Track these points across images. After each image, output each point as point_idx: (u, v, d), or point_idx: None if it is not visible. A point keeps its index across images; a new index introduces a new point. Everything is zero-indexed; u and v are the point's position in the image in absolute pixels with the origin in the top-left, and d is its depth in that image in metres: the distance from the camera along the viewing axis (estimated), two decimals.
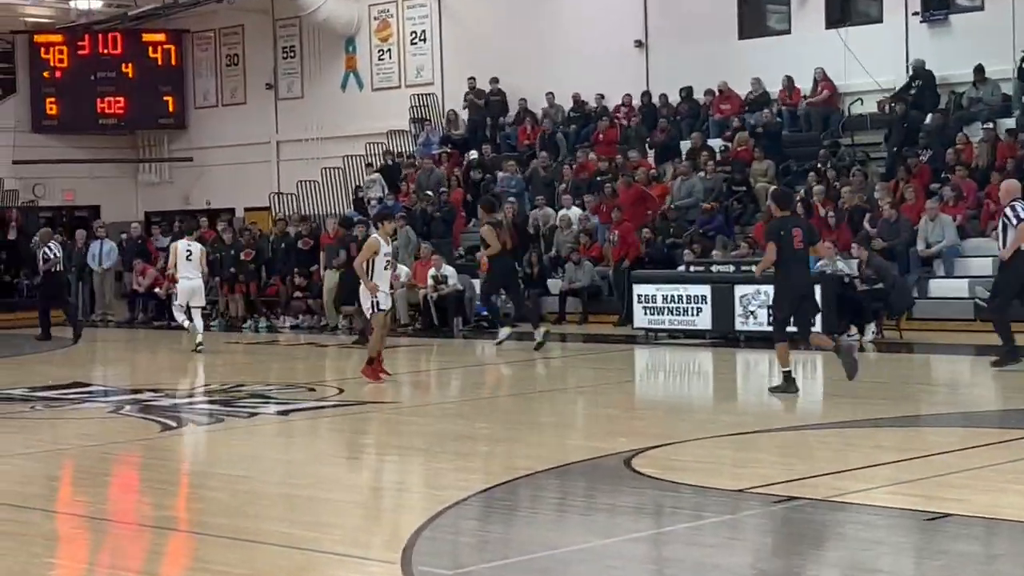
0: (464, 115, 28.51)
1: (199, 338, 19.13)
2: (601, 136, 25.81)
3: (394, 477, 9.66)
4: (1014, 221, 14.34)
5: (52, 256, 22.38)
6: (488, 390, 15.66)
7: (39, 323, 22.31)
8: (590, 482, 9.24)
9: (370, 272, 14.65)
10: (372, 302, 14.72)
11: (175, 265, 19.61)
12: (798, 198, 18.98)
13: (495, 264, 18.97)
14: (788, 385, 12.94)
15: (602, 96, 26.60)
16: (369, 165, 28.35)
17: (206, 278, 20.32)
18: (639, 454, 9.79)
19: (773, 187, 18.78)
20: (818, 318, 14.50)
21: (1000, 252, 14.85)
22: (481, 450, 10.56)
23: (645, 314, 19.69)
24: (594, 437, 11.21)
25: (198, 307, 19.66)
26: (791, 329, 13.37)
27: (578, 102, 26.90)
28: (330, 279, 22.69)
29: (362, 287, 14.81)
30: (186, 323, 19.54)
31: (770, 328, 14.56)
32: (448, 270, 22.19)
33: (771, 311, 14.68)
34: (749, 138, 23.66)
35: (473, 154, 27.02)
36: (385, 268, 14.77)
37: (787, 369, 13.00)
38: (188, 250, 19.55)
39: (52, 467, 10.35)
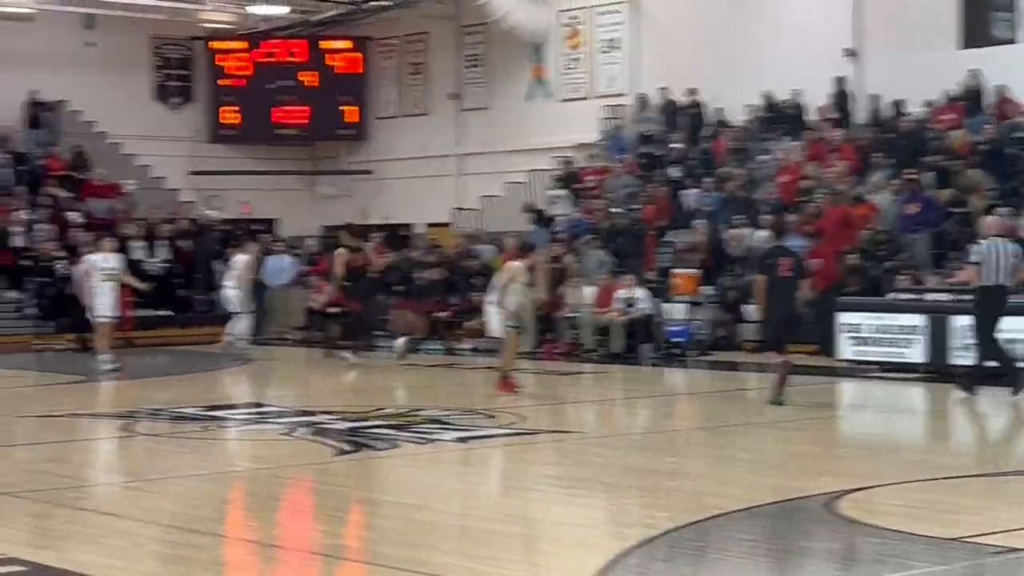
0: (657, 127, 28.45)
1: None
2: (808, 152, 25.45)
3: (576, 512, 9.69)
4: None
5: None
6: (678, 422, 15.60)
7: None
8: (786, 524, 9.14)
9: (506, 295, 16.37)
10: (506, 322, 16.42)
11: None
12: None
13: (355, 290, 21.37)
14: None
15: (799, 106, 26.27)
16: (555, 180, 28.44)
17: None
18: (841, 496, 9.64)
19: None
20: None
21: None
22: (668, 486, 10.52)
23: (850, 344, 19.39)
24: (792, 476, 11.08)
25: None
26: None
27: (778, 112, 26.66)
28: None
29: (490, 306, 16.74)
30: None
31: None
32: (639, 292, 22.17)
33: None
34: (970, 155, 23.11)
35: (669, 170, 26.95)
36: (518, 296, 16.52)
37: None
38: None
39: (223, 489, 10.64)
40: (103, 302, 20.31)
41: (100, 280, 20.28)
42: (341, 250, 21.49)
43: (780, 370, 15.37)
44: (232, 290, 23.21)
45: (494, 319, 16.69)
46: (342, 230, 22.62)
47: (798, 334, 16.70)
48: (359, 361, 21.54)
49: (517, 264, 16.87)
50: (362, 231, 23.20)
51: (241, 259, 23.63)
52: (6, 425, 15.02)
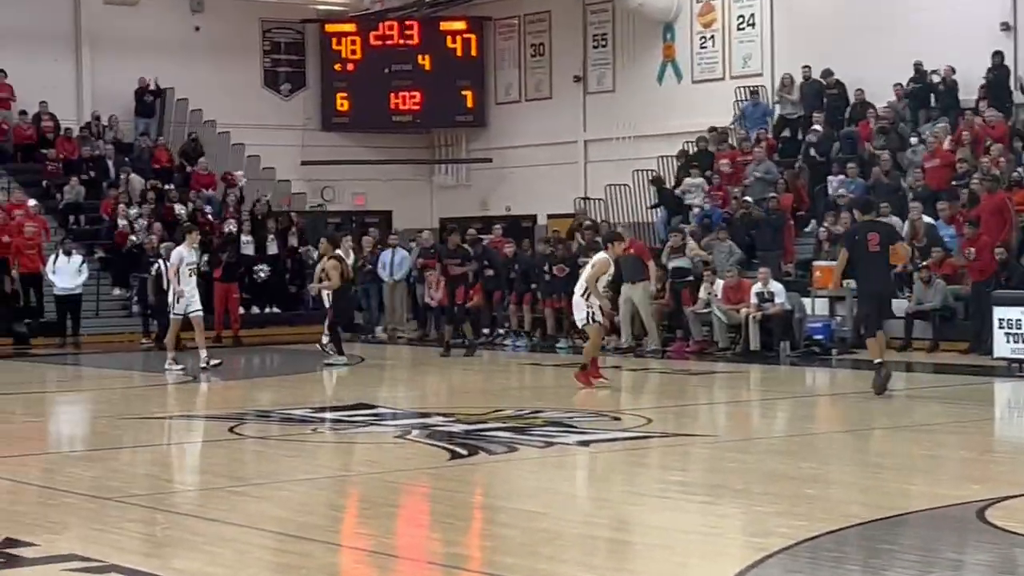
0: (797, 109, 28.19)
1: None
2: (964, 134, 24.97)
3: (707, 520, 9.64)
4: None
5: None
6: (817, 424, 15.46)
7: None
8: (934, 534, 9.02)
9: (587, 291, 17.30)
10: (588, 314, 17.25)
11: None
12: None
13: (340, 298, 21.90)
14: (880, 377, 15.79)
15: (951, 85, 25.85)
16: (688, 167, 28.26)
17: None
18: (994, 504, 9.49)
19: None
20: None
21: None
22: (806, 493, 10.43)
23: (1008, 341, 19.06)
24: (940, 483, 10.93)
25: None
26: None
27: (928, 92, 26.28)
28: (626, 293, 22.81)
29: (577, 298, 17.54)
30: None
31: None
32: (775, 286, 22.01)
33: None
34: None
35: (810, 155, 26.69)
36: (603, 289, 17.51)
37: (879, 360, 15.83)
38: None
39: (334, 495, 10.75)
40: (195, 296, 20.57)
41: (187, 274, 20.51)
42: (332, 261, 21.80)
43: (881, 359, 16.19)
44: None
45: (580, 312, 17.59)
46: (326, 241, 22.75)
47: (891, 313, 17.82)
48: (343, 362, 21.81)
49: (604, 256, 17.49)
50: (339, 239, 23.82)
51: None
52: (111, 428, 15.32)
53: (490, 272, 25.68)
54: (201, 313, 20.80)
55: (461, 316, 23.49)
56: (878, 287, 16.40)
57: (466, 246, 24.63)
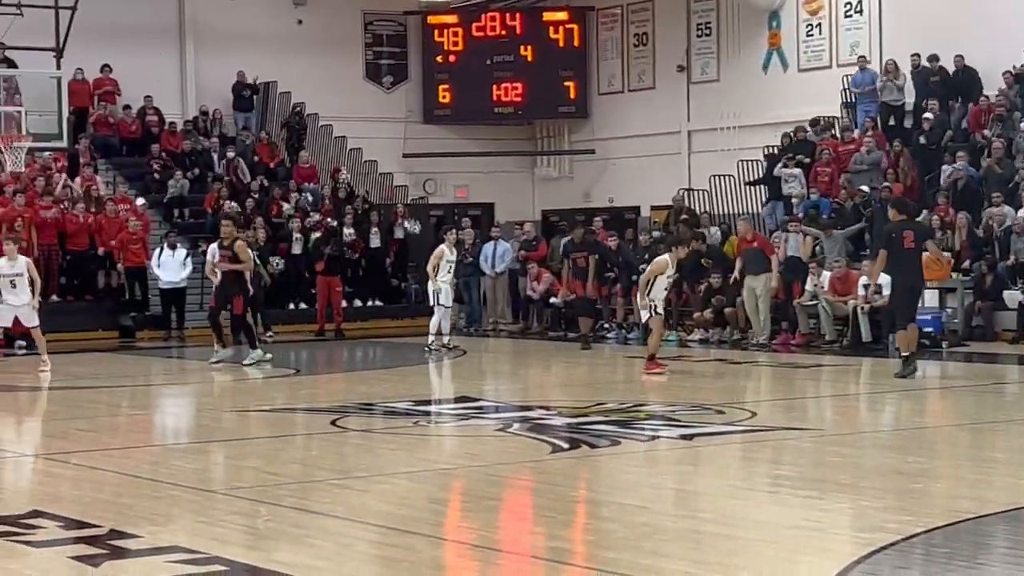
0: (905, 97, 27.83)
1: None
2: None
3: (812, 514, 9.57)
4: None
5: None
6: (927, 418, 15.30)
7: None
8: None
9: (651, 288, 18.24)
10: (651, 307, 18.25)
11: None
12: None
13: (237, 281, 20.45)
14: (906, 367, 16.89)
15: None
16: (792, 156, 28.02)
17: None
18: None
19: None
20: None
21: None
22: (914, 488, 10.33)
23: None
24: None
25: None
26: None
27: None
28: (749, 285, 22.73)
29: (641, 298, 18.68)
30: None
31: None
32: (883, 278, 21.75)
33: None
34: None
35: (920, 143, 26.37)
36: (665, 289, 18.57)
37: (907, 353, 16.92)
38: None
39: (435, 488, 10.80)
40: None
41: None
42: (241, 242, 20.64)
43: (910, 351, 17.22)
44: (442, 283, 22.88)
45: (641, 310, 18.89)
46: (231, 223, 21.14)
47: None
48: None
49: (664, 258, 18.49)
50: (250, 220, 23.10)
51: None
52: (215, 421, 15.51)
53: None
54: None
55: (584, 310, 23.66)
56: (912, 280, 17.42)
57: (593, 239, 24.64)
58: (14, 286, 18.96)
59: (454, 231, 24.36)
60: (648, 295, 18.37)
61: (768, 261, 22.87)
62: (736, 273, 23.29)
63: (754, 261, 22.81)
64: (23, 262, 19.55)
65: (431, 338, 22.69)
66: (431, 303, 23.00)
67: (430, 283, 22.97)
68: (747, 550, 8.40)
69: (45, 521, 9.18)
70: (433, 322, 22.85)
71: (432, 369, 21.34)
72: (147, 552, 8.26)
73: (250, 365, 20.23)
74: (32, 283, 19.83)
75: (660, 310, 18.58)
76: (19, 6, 23.72)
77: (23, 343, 23.45)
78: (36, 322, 19.67)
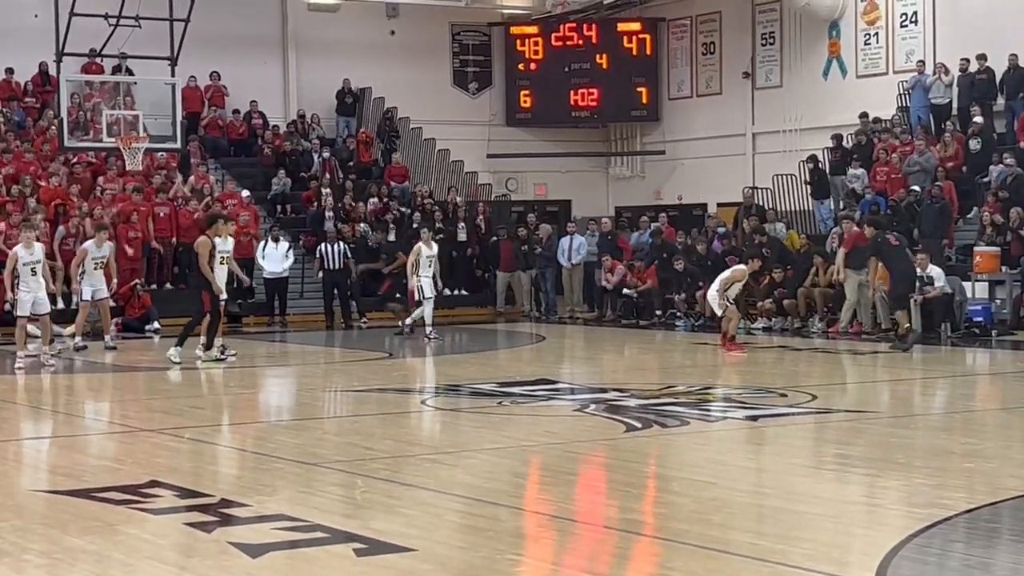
0: (957, 100, 27.49)
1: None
2: None
3: (868, 491, 9.52)
4: None
5: None
6: (977, 402, 15.15)
7: None
8: None
9: (728, 288, 19.60)
10: (724, 303, 19.52)
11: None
12: None
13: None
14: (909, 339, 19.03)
15: None
16: (850, 157, 27.84)
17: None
18: None
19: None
20: None
21: None
22: (965, 467, 10.24)
23: None
24: None
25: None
26: None
27: None
28: (853, 280, 22.16)
29: (712, 293, 19.87)
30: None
31: None
32: (935, 271, 21.56)
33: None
34: None
35: (971, 144, 26.06)
36: (726, 290, 19.69)
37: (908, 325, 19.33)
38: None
39: (517, 463, 10.83)
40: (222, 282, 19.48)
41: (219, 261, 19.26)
42: (203, 238, 18.85)
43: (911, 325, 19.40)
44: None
45: (714, 304, 19.93)
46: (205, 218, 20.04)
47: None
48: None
49: (743, 268, 20.16)
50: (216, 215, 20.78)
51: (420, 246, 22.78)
52: (315, 399, 15.64)
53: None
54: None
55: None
56: (908, 269, 20.14)
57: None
58: (34, 273, 18.73)
59: (426, 230, 23.84)
60: (726, 293, 19.67)
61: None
62: (839, 265, 22.55)
63: (859, 255, 22.21)
64: (39, 249, 19.18)
65: (428, 328, 22.32)
66: (417, 298, 22.63)
67: (412, 279, 22.68)
68: (808, 524, 8.37)
69: (162, 491, 9.30)
70: (427, 313, 22.44)
71: (515, 354, 21.36)
72: (254, 520, 8.35)
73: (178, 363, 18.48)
74: (54, 271, 19.48)
75: (731, 303, 19.83)
76: (137, 19, 23.94)
77: (156, 327, 23.83)
78: (47, 309, 18.84)
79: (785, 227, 26.60)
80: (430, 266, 22.69)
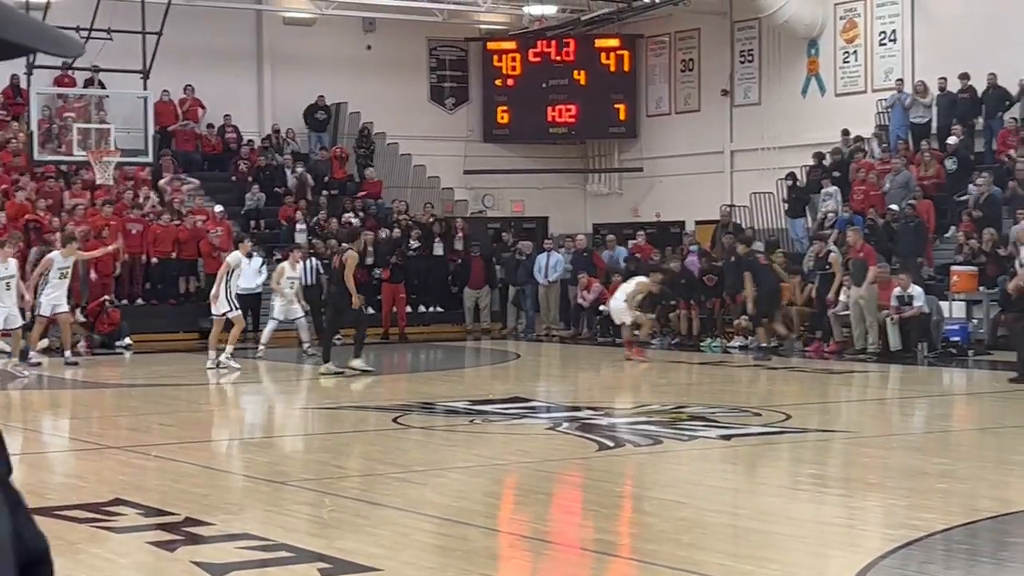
0: (934, 118, 27.58)
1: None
2: None
3: (842, 511, 9.52)
4: None
5: None
6: (952, 423, 15.17)
7: None
8: None
9: (636, 300, 20.98)
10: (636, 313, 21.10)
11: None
12: None
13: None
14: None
15: None
16: (826, 175, 27.86)
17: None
18: None
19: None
20: None
21: None
22: (938, 487, 10.24)
23: None
24: None
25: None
26: None
27: None
28: (854, 296, 22.08)
29: (620, 303, 21.25)
30: None
31: None
32: (915, 290, 21.62)
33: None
34: None
35: (947, 163, 26.14)
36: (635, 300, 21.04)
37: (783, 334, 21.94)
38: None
39: (489, 483, 10.80)
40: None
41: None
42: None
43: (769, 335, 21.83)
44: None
45: (620, 314, 21.56)
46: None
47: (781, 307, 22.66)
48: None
49: (644, 280, 21.82)
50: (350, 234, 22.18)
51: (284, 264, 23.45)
52: (285, 417, 15.58)
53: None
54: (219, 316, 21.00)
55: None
56: (771, 285, 21.97)
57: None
58: (8, 288, 18.62)
59: (296, 251, 24.09)
60: (635, 304, 21.40)
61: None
62: (838, 282, 22.56)
63: (859, 272, 22.19)
64: (13, 264, 19.16)
65: (306, 345, 22.77)
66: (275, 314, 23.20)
67: (275, 297, 23.19)
68: (780, 544, 8.35)
69: (126, 508, 9.24)
70: (302, 331, 23.03)
71: (487, 372, 21.33)
72: (220, 539, 8.30)
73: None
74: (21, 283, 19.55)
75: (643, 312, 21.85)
76: (109, 31, 23.89)
77: (127, 342, 23.77)
78: (19, 324, 19.11)
79: (764, 245, 26.53)
80: (291, 287, 23.07)
